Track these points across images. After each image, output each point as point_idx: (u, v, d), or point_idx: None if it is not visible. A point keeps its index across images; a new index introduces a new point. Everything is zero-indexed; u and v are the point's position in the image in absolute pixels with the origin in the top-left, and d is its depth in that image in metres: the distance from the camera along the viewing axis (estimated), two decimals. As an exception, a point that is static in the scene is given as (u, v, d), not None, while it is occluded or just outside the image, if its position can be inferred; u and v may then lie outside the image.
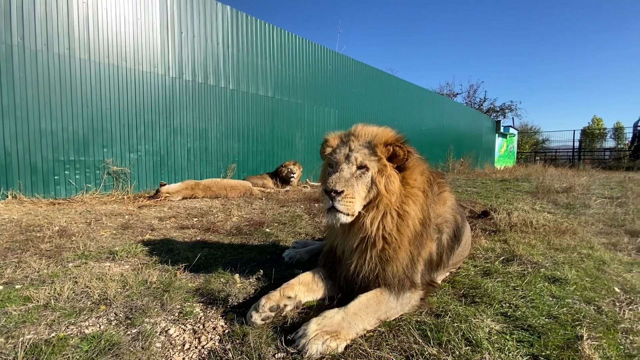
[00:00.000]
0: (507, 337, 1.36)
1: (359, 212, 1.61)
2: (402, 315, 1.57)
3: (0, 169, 4.63)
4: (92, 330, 1.42)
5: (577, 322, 1.49)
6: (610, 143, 30.27)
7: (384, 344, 1.33)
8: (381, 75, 11.79)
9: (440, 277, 2.06)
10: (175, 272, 2.11)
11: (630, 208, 4.91)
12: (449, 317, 1.51)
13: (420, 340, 1.32)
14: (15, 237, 2.87)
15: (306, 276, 1.77)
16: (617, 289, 1.92)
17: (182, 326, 1.48)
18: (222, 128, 7.20)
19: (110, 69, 5.58)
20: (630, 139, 25.18)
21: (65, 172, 5.18)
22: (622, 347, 1.31)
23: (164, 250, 2.62)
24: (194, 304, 1.69)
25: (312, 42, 8.99)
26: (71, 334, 1.38)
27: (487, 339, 1.32)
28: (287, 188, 6.97)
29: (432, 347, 1.28)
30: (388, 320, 1.52)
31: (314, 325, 1.35)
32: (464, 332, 1.37)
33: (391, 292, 1.56)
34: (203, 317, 1.56)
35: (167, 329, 1.45)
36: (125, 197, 5.33)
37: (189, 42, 6.58)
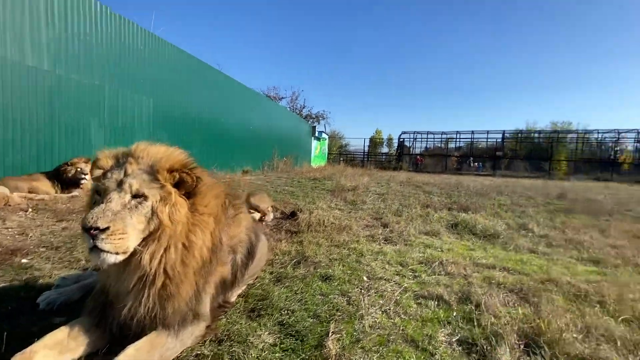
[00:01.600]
0: (277, 348, 1.57)
1: (135, 248, 1.42)
2: (182, 351, 1.51)
3: None
4: None
5: (332, 317, 1.90)
6: (385, 149, 41.58)
7: (154, 395, 1.23)
8: (208, 69, 11.18)
9: (235, 294, 2.14)
10: None
11: (387, 203, 6.79)
12: (229, 341, 1.58)
13: (195, 378, 1.31)
14: None
15: (59, 333, 1.41)
16: (365, 278, 2.59)
17: None
18: (-50, 105, 4.81)
19: None
20: (396, 148, 35.14)
21: None
22: (355, 333, 1.77)
23: None
24: None
25: (117, 14, 7.39)
26: None
27: (257, 358, 1.47)
28: (75, 193, 5.47)
29: (206, 382, 1.29)
30: (165, 363, 1.42)
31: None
32: (238, 356, 1.46)
33: (169, 332, 1.47)
34: None
35: None
36: None
37: None
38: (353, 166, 25.19)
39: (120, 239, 1.34)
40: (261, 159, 15.09)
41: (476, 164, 29.92)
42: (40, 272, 2.39)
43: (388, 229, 4.38)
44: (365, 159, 33.12)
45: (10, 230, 3.39)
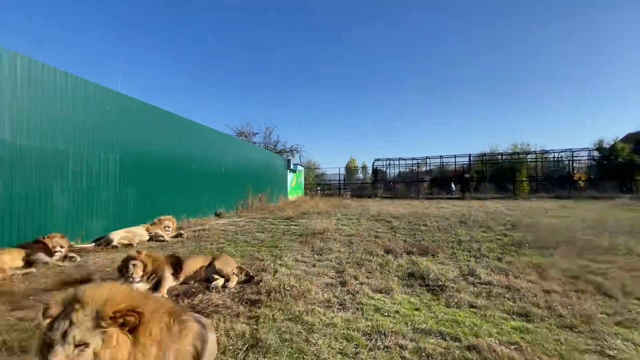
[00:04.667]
0: None
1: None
2: None
3: None
4: None
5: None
6: (360, 176, 42.94)
7: None
8: (173, 117, 11.44)
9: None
10: None
11: (353, 248, 7.09)
12: None
13: None
14: None
15: None
16: (310, 361, 2.83)
17: None
18: None
19: None
20: (371, 174, 36.13)
21: None
22: None
23: None
24: None
25: (77, 77, 7.61)
26: None
27: None
28: (31, 270, 5.38)
29: None
30: None
31: None
32: None
33: None
34: None
35: None
36: None
37: None
38: (330, 195, 25.51)
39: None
40: (235, 199, 15.21)
41: (453, 185, 30.77)
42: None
43: (345, 289, 4.64)
44: (342, 187, 33.83)
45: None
